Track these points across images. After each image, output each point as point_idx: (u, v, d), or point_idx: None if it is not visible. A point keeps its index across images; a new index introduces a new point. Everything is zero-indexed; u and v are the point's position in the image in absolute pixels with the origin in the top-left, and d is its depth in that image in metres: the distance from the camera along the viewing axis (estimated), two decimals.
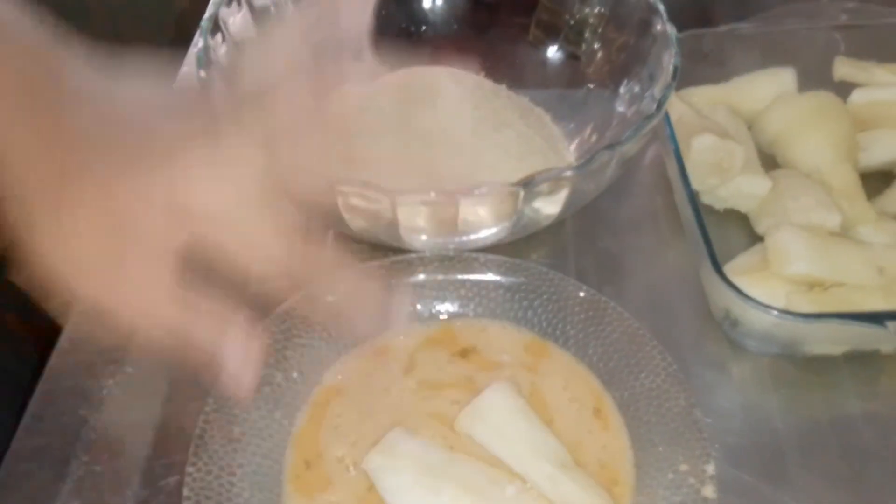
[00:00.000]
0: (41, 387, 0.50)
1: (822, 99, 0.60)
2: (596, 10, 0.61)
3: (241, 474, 0.43)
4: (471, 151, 0.55)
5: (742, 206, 0.57)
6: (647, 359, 0.47)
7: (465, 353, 0.50)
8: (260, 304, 0.53)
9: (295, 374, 0.48)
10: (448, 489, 0.42)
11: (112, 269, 0.32)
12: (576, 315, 0.50)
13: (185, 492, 0.42)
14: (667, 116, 0.54)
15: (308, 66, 0.39)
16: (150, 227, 0.32)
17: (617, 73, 0.59)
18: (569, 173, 0.46)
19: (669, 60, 0.52)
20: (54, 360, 0.51)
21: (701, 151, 0.54)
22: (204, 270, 0.56)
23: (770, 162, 0.59)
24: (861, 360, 0.50)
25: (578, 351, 0.49)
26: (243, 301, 0.53)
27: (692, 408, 0.44)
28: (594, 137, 0.60)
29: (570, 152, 0.60)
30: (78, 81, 0.34)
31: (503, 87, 0.62)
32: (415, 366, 0.49)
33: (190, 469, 0.43)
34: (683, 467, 0.43)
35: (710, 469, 0.42)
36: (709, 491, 0.42)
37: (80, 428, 0.48)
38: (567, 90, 0.63)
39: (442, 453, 0.44)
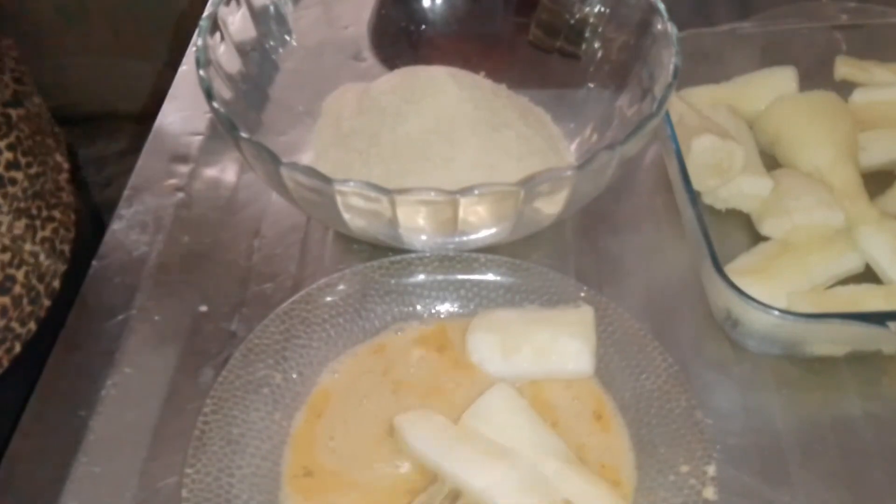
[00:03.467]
0: (40, 388, 0.50)
1: (822, 98, 0.60)
2: (596, 10, 0.60)
3: (239, 476, 0.43)
4: (471, 151, 0.55)
5: (743, 206, 0.56)
6: (647, 360, 0.47)
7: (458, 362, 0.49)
8: (259, 304, 0.53)
9: (294, 375, 0.48)
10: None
11: None
12: None
13: (184, 493, 0.42)
14: (667, 116, 0.54)
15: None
16: None
17: (617, 72, 0.59)
18: (569, 173, 0.46)
19: (670, 60, 0.51)
20: (52, 361, 0.51)
21: (701, 152, 0.54)
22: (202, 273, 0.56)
23: (771, 162, 0.59)
24: (862, 361, 0.50)
25: None
26: (243, 301, 0.54)
27: (693, 409, 0.44)
28: (594, 137, 0.59)
29: (570, 152, 0.60)
30: None
31: (503, 87, 0.62)
32: (409, 370, 0.49)
33: (188, 471, 0.42)
34: (684, 469, 0.43)
35: (711, 470, 0.42)
36: (710, 492, 0.41)
37: (79, 429, 0.48)
38: (567, 90, 0.62)
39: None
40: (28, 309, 0.55)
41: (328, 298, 0.50)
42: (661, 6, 0.54)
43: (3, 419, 0.51)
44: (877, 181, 0.57)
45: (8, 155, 0.53)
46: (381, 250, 0.54)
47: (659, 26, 0.54)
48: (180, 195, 0.61)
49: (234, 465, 0.43)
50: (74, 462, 0.46)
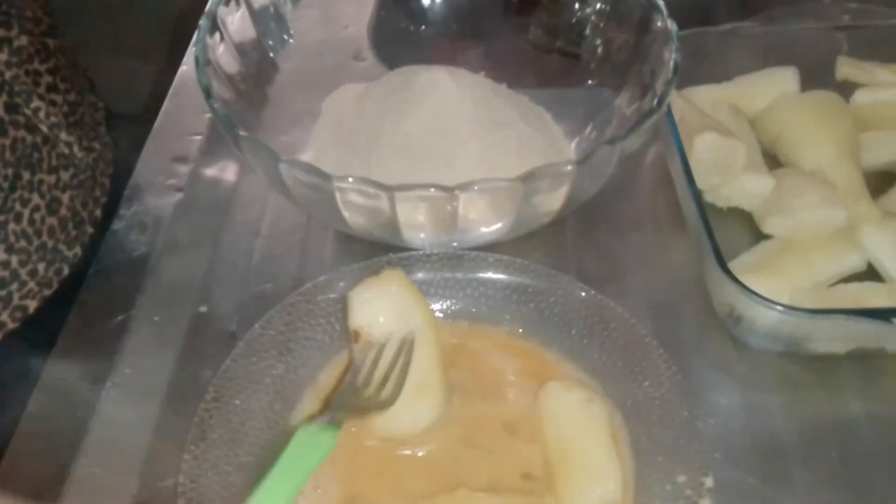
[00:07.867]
0: (40, 387, 0.50)
1: (824, 98, 0.60)
2: (597, 8, 0.60)
3: (237, 464, 0.43)
4: (471, 151, 0.55)
5: (745, 205, 0.56)
6: (650, 366, 0.46)
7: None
8: (259, 305, 0.53)
9: (296, 366, 0.48)
10: None
11: None
12: (577, 318, 0.49)
13: (181, 479, 0.41)
14: (669, 114, 0.54)
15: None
16: None
17: (618, 70, 0.59)
18: (569, 168, 0.46)
19: (670, 56, 0.51)
20: (52, 362, 0.51)
21: (703, 150, 0.54)
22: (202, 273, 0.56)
23: (773, 161, 0.59)
24: (864, 361, 0.50)
25: (581, 355, 0.49)
26: (243, 301, 0.54)
27: (694, 419, 0.44)
28: (594, 135, 0.59)
29: (570, 151, 0.60)
30: None
31: (503, 87, 0.62)
32: None
33: (186, 456, 0.42)
34: (681, 479, 0.42)
35: (709, 482, 0.41)
36: (706, 503, 0.41)
37: (79, 429, 0.47)
38: (567, 89, 0.62)
39: None
40: (73, 233, 0.56)
41: (332, 294, 0.50)
42: (661, 3, 0.54)
43: (3, 419, 0.51)
44: (878, 181, 0.57)
45: (48, 78, 0.54)
46: (382, 249, 0.53)
47: (659, 24, 0.54)
48: (180, 195, 0.61)
49: (233, 454, 0.43)
50: (74, 463, 0.46)
